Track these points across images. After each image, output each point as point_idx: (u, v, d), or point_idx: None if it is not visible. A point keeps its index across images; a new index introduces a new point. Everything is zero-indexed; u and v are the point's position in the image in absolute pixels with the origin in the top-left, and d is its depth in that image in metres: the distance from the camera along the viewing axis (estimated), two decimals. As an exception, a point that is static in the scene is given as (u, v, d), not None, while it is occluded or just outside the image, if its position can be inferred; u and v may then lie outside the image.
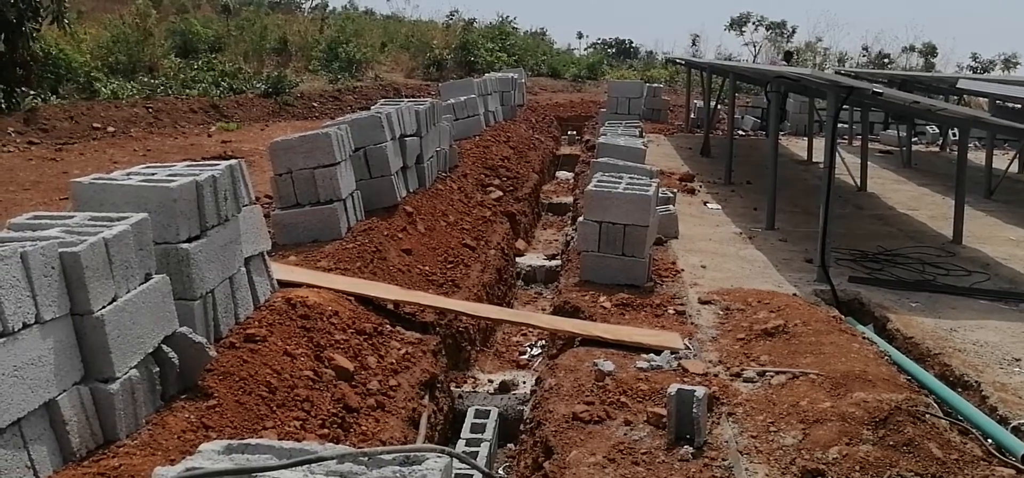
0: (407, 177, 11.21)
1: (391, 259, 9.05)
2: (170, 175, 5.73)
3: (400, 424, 6.16)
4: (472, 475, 5.76)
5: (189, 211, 5.60)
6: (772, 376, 6.79)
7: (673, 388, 5.83)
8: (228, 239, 5.97)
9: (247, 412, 5.18)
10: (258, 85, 24.83)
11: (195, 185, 5.64)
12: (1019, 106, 19.96)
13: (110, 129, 18.29)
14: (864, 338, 7.85)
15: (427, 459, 2.50)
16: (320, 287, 7.50)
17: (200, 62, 25.89)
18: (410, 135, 11.35)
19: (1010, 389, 6.97)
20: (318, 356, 6.21)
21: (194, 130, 20.05)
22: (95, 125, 18.18)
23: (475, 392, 8.22)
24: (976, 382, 7.12)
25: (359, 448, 3.04)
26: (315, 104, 25.29)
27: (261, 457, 2.51)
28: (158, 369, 5.02)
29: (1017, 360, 7.69)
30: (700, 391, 5.81)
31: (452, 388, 7.95)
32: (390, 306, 7.94)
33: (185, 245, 5.54)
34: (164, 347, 5.07)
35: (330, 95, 26.50)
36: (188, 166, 6.05)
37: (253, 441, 2.67)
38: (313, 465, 2.43)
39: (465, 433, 6.87)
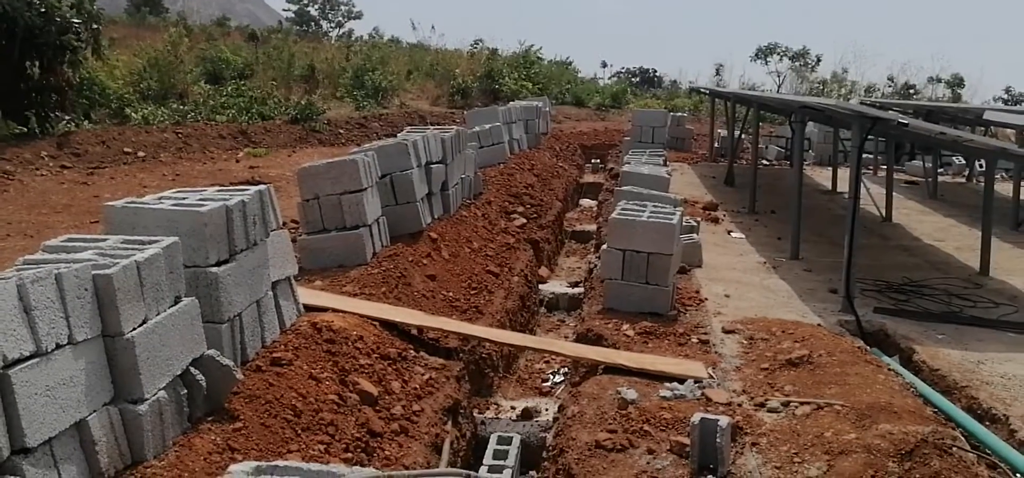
0: (432, 203, 11.31)
1: (416, 285, 9.11)
2: (201, 200, 5.83)
3: (423, 450, 6.18)
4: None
5: (219, 235, 5.69)
6: (796, 406, 6.76)
7: (696, 417, 5.82)
8: (256, 263, 6.06)
9: (272, 435, 5.23)
10: (286, 111, 25.09)
11: (225, 210, 5.73)
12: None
13: (140, 154, 18.56)
14: (890, 370, 7.80)
15: (452, 482, 2.54)
16: (345, 312, 7.56)
17: (229, 88, 26.22)
18: (436, 162, 11.45)
19: (1039, 423, 6.89)
20: (343, 380, 6.26)
21: (222, 156, 20.29)
22: (126, 150, 18.45)
23: (497, 419, 8.24)
24: (1004, 416, 7.06)
25: (385, 471, 3.08)
26: (342, 131, 25.52)
27: (289, 478, 2.56)
28: (186, 391, 5.09)
29: (1046, 393, 7.60)
30: (723, 421, 5.80)
31: (475, 414, 7.97)
32: (414, 331, 7.99)
33: (214, 269, 5.63)
34: (192, 369, 5.14)
35: (356, 122, 26.73)
36: (218, 191, 6.15)
37: (281, 463, 2.71)
38: (340, 486, 2.47)
39: (487, 459, 6.88)
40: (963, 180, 24.19)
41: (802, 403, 6.81)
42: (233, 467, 2.69)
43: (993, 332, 9.48)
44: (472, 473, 2.70)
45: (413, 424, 6.37)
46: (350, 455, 5.45)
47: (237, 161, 19.61)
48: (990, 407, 7.28)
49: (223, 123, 22.81)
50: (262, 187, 6.28)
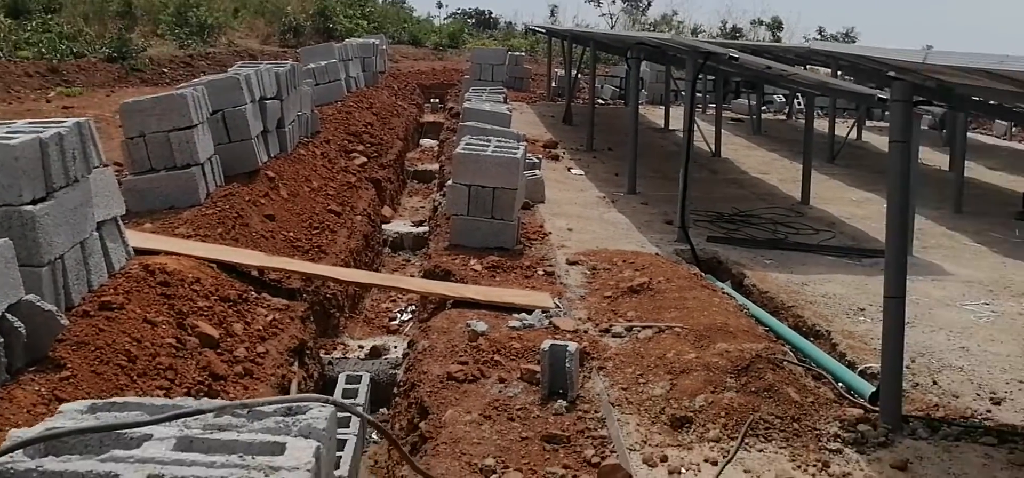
0: (268, 141, 10.83)
1: (254, 225, 8.75)
2: (10, 132, 5.30)
3: (269, 391, 5.96)
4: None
5: (33, 171, 5.21)
6: (639, 331, 6.97)
7: (546, 344, 5.89)
8: (78, 201, 5.59)
9: (105, 382, 4.88)
10: (102, 49, 23.40)
11: (39, 142, 5.24)
12: (862, 69, 21.21)
13: (-70, 93, 16.87)
14: (724, 293, 8.17)
15: (311, 408, 2.41)
16: (180, 254, 7.16)
17: (34, 23, 24.15)
18: (270, 98, 10.96)
19: (857, 336, 7.41)
20: (181, 324, 5.93)
21: (31, 96, 18.73)
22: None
23: (346, 358, 8.07)
24: (826, 331, 7.54)
25: (235, 401, 2.91)
26: (165, 70, 24.09)
27: (130, 414, 2.35)
28: (2, 340, 4.66)
29: (862, 310, 8.19)
30: (572, 346, 5.89)
31: (322, 355, 7.78)
32: (255, 273, 7.67)
33: (30, 207, 5.15)
34: (8, 316, 4.71)
35: (181, 60, 25.32)
36: (30, 124, 5.62)
37: (120, 399, 2.50)
38: (188, 419, 2.30)
39: (337, 398, 6.74)
40: (784, 117, 25.63)
41: (644, 327, 7.03)
42: (65, 405, 2.45)
43: (814, 257, 10.11)
44: (329, 397, 2.58)
45: (258, 366, 6.13)
46: (192, 399, 5.18)
47: (48, 101, 18.14)
48: (814, 324, 7.77)
49: (29, 61, 21.03)
50: (81, 119, 5.78)
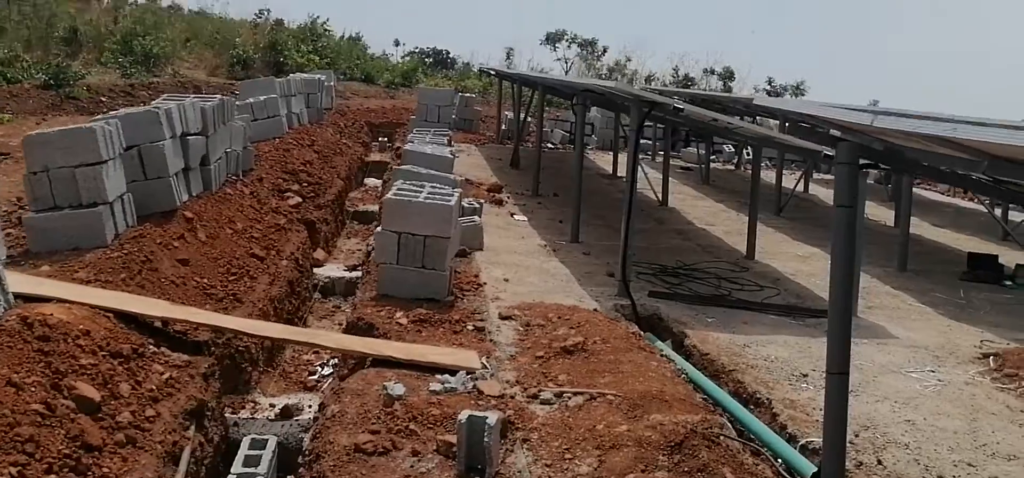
0: (189, 179, 10.21)
1: (163, 270, 8.13)
2: None
3: (155, 462, 5.36)
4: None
5: None
6: (569, 397, 6.51)
7: (464, 415, 5.40)
8: (-62, 247, 5.00)
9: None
10: (37, 75, 22.54)
11: None
12: (806, 127, 21.18)
13: None
14: (662, 355, 7.77)
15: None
16: (73, 302, 6.55)
17: (-33, 47, 23.24)
18: (194, 134, 10.36)
19: (798, 405, 7.03)
20: (56, 385, 5.31)
21: (-48, 123, 17.86)
22: None
23: (253, 419, 7.46)
24: (767, 399, 7.15)
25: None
26: (104, 99, 23.24)
27: None
28: None
29: (804, 376, 7.82)
30: (492, 418, 5.41)
31: (227, 415, 7.16)
32: (158, 324, 7.06)
33: None
34: None
35: (122, 90, 24.50)
36: None
37: None
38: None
39: (237, 467, 6.15)
40: (732, 167, 25.58)
41: (575, 393, 6.57)
42: None
43: (758, 315, 9.77)
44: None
45: (144, 433, 5.52)
46: (54, 476, 4.58)
47: (-29, 129, 17.29)
48: (755, 391, 7.38)
49: (-46, 86, 20.13)
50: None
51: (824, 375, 7.68)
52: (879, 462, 6.04)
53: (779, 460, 5.97)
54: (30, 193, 8.28)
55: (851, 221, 4.89)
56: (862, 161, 4.91)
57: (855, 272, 5.96)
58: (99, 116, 9.34)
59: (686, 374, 7.37)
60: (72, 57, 26.19)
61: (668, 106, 9.77)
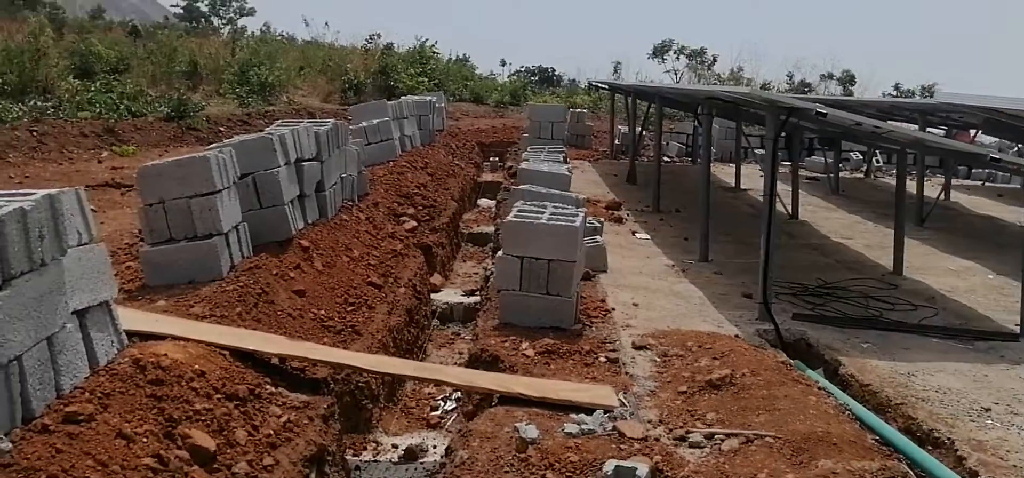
0: (305, 207, 9.94)
1: (280, 302, 7.80)
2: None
3: (273, 517, 4.94)
4: None
5: (-17, 256, 4.30)
6: (722, 440, 5.80)
7: (610, 466, 4.80)
8: (45, 289, 4.68)
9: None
10: (161, 108, 23.18)
11: (-5, 222, 4.34)
12: (944, 131, 19.76)
13: (-16, 154, 16.53)
14: (820, 389, 6.93)
15: None
16: (187, 340, 6.23)
17: (98, 84, 24.06)
18: (308, 159, 10.09)
19: (988, 447, 6.11)
20: (169, 433, 4.95)
21: (83, 156, 18.37)
22: (-31, 150, 16.40)
23: (376, 462, 7.01)
24: (949, 439, 6.26)
25: None
26: (222, 128, 23.69)
27: None
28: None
29: (986, 410, 6.87)
30: (643, 469, 4.78)
31: (348, 458, 6.73)
32: (275, 361, 6.70)
33: (-25, 300, 4.25)
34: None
35: (239, 119, 24.97)
36: None
37: None
38: None
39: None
40: (862, 175, 24.12)
41: (729, 435, 5.85)
42: None
43: (917, 338, 8.80)
44: None
45: (261, 484, 5.11)
46: (165, 539, 4.19)
47: (99, 161, 17.74)
48: (931, 428, 6.49)
49: (87, 120, 20.77)
50: (57, 192, 4.89)
51: (1010, 410, 6.77)
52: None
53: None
54: (145, 226, 8.09)
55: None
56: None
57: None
58: (214, 145, 9.14)
59: (850, 410, 6.53)
60: (193, 90, 26.93)
61: (809, 111, 8.92)
